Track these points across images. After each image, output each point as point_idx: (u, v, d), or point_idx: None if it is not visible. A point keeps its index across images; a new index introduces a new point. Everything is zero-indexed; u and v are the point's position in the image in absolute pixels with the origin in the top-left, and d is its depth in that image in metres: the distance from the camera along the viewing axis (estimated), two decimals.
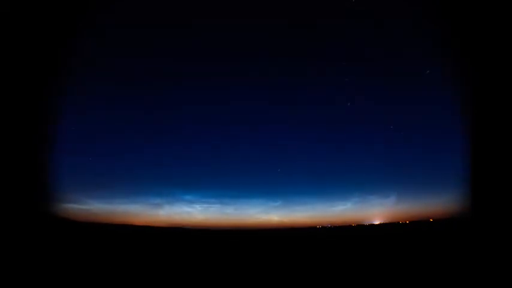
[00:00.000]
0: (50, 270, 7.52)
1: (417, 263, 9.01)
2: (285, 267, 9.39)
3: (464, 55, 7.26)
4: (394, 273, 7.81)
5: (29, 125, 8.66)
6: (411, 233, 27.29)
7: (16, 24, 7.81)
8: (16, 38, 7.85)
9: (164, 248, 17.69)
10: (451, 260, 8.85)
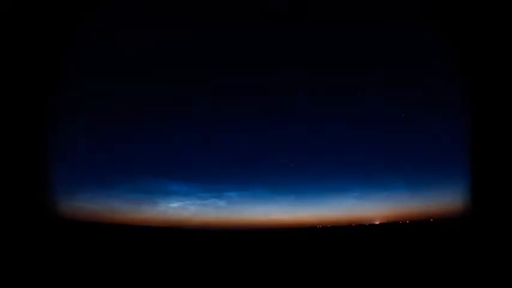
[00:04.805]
0: (41, 268, 7.50)
1: (417, 263, 8.98)
2: (288, 270, 9.36)
3: (466, 53, 7.24)
4: (395, 273, 7.79)
5: (29, 125, 8.64)
6: (411, 233, 27.29)
7: (16, 23, 7.80)
8: (17, 37, 7.85)
9: (155, 250, 17.25)
10: (451, 259, 8.82)
